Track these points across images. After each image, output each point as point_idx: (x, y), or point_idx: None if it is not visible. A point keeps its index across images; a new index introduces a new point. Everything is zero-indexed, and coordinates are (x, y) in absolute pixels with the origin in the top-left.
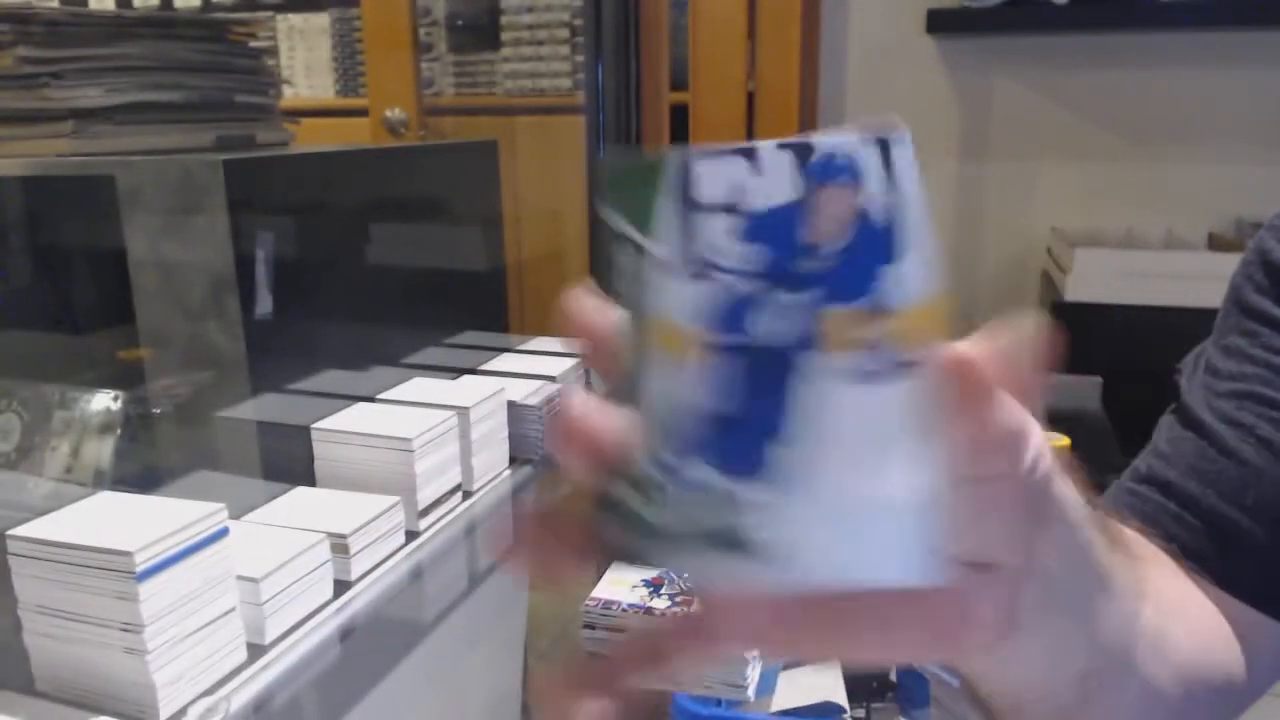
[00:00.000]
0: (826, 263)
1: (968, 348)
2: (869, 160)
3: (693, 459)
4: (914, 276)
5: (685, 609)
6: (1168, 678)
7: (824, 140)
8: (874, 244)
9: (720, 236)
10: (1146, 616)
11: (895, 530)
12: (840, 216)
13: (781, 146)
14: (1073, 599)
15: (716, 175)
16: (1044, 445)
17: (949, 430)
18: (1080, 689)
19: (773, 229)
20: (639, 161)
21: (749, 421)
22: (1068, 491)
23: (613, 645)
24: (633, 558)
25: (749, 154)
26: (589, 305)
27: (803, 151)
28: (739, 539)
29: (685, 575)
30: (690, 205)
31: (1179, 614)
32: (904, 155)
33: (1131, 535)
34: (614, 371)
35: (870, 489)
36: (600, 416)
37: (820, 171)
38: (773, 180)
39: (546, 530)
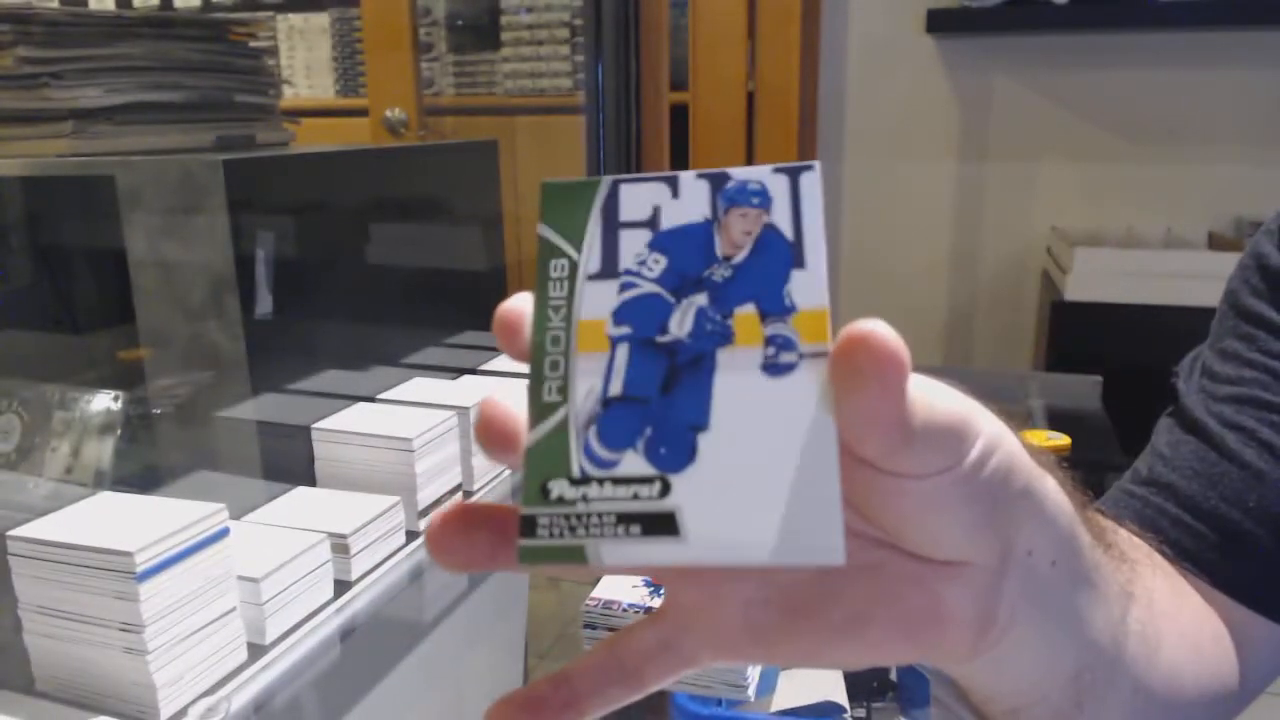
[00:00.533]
0: (735, 271)
1: (874, 324)
2: (777, 188)
3: (616, 447)
4: (812, 285)
5: (652, 622)
6: (1159, 678)
7: (739, 171)
8: (777, 256)
9: (642, 249)
10: (1135, 616)
11: (802, 511)
12: (748, 232)
13: (700, 176)
14: (1058, 596)
15: (640, 198)
16: (999, 441)
17: (861, 406)
18: (1073, 691)
19: (687, 243)
20: (573, 184)
21: (669, 411)
22: (1045, 487)
23: (576, 664)
24: (553, 544)
25: (671, 181)
26: (520, 308)
27: (719, 180)
28: (658, 521)
29: (604, 559)
30: (616, 222)
31: (1171, 616)
32: (811, 185)
33: (1124, 536)
34: (536, 369)
35: (779, 471)
36: (519, 411)
37: (732, 196)
38: (689, 202)
39: (475, 517)
